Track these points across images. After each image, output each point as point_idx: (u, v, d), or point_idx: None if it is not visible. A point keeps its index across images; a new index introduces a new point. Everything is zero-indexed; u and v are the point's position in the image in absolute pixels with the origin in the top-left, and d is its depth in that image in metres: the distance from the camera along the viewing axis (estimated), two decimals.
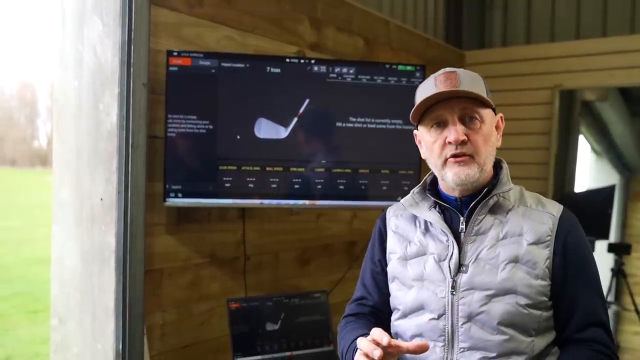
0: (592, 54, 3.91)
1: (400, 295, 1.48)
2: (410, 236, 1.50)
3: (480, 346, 1.34)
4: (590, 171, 7.29)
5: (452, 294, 1.37)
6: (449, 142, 1.37)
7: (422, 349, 1.25)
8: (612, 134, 6.79)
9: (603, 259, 5.19)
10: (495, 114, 1.45)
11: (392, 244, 1.53)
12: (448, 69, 1.40)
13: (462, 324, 1.35)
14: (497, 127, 1.45)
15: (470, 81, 1.38)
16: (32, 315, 7.84)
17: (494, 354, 1.32)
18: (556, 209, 1.42)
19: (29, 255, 11.48)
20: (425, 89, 1.40)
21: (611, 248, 4.94)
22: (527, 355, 1.33)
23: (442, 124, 1.39)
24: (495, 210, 1.41)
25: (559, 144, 4.57)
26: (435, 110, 1.39)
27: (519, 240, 1.37)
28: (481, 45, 4.58)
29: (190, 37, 2.30)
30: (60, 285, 2.14)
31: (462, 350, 1.35)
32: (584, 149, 6.75)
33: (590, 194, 5.50)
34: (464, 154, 1.37)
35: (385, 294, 1.56)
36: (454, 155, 1.37)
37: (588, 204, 4.94)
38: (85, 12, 2.03)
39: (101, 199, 1.98)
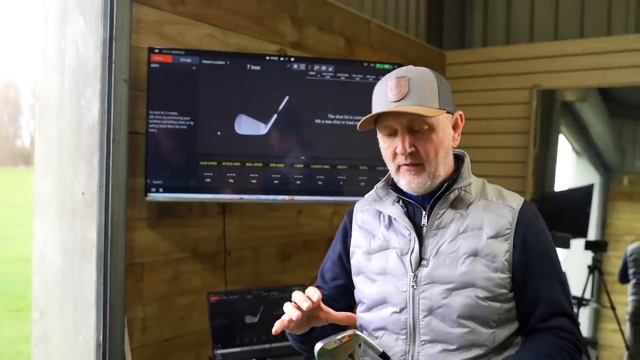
0: (570, 55, 4.00)
1: (364, 289, 1.50)
2: (375, 231, 1.52)
3: (441, 339, 1.36)
4: (571, 171, 7.39)
5: (413, 287, 1.39)
6: (398, 153, 1.39)
7: (351, 320, 1.32)
8: (591, 134, 6.89)
9: (580, 256, 5.28)
10: (453, 113, 1.44)
11: (357, 239, 1.55)
12: (401, 72, 1.39)
13: (423, 317, 1.37)
14: (455, 126, 1.45)
15: (422, 87, 1.36)
16: (15, 313, 7.81)
17: (454, 347, 1.35)
18: (516, 202, 1.43)
19: (11, 254, 11.41)
20: (378, 94, 1.42)
21: (588, 245, 5.02)
22: (488, 347, 1.36)
23: (392, 133, 1.40)
24: (456, 204, 1.42)
25: (540, 144, 4.65)
26: (385, 120, 1.40)
27: (479, 233, 1.38)
28: (462, 45, 4.65)
29: (172, 35, 2.33)
30: (41, 278, 2.16)
31: (423, 342, 1.38)
32: (565, 148, 6.85)
33: (569, 192, 5.58)
34: (413, 164, 1.39)
35: (338, 286, 1.59)
36: (405, 164, 1.40)
37: (567, 203, 5.02)
38: (68, 10, 2.06)
39: (83, 194, 2.01)
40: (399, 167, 1.42)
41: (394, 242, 1.45)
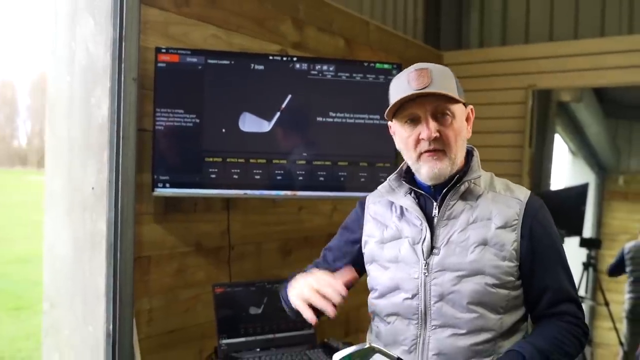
0: (564, 56, 4.06)
1: (377, 276, 1.57)
2: (387, 221, 1.58)
3: (450, 323, 1.43)
4: (567, 170, 7.45)
5: (425, 274, 1.46)
6: (422, 139, 1.44)
7: (352, 277, 1.48)
8: (587, 134, 6.97)
9: (575, 254, 5.35)
10: (466, 107, 1.52)
11: (371, 229, 1.62)
12: (420, 65, 1.45)
13: (435, 303, 1.44)
14: (467, 119, 1.53)
15: (442, 78, 1.44)
16: (14, 312, 7.86)
17: (463, 331, 1.42)
18: (523, 194, 1.50)
19: (9, 253, 11.44)
20: (399, 86, 1.46)
21: (582, 243, 5.09)
22: (496, 332, 1.43)
23: (415, 120, 1.46)
24: (466, 196, 1.49)
25: (536, 143, 4.72)
26: (409, 108, 1.45)
27: (487, 224, 1.45)
28: (459, 46, 4.72)
29: (177, 36, 2.40)
30: (52, 270, 2.22)
31: (434, 327, 1.45)
32: (561, 148, 6.90)
33: (564, 191, 5.65)
34: (436, 149, 1.45)
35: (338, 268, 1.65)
36: (427, 151, 1.45)
37: (562, 202, 5.08)
38: (78, 11, 2.12)
39: (93, 188, 2.07)
40: (420, 155, 1.48)
41: (406, 232, 1.53)
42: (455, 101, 1.46)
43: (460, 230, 1.46)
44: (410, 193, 1.55)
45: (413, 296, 1.47)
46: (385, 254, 1.56)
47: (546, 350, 1.39)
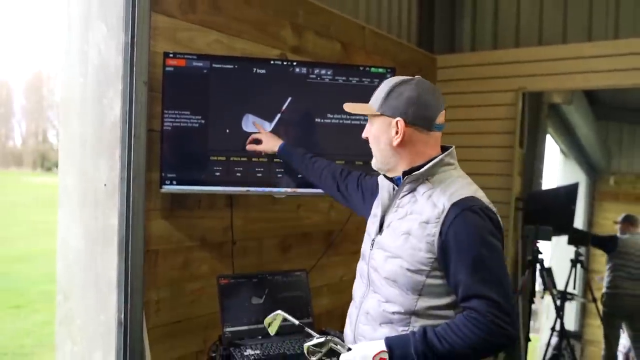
0: (553, 59, 4.20)
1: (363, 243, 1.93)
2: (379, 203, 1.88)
3: (377, 291, 1.76)
4: (558, 172, 7.59)
5: (370, 249, 1.82)
6: None
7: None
8: (578, 135, 7.10)
9: (566, 252, 5.49)
10: (394, 118, 1.73)
11: (374, 205, 1.93)
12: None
13: (372, 272, 1.79)
14: (397, 129, 1.73)
15: (377, 91, 1.79)
16: (15, 310, 7.96)
17: (384, 300, 1.73)
18: (455, 197, 1.65)
19: (7, 253, 11.53)
20: None
21: (571, 240, 5.22)
22: (408, 309, 1.68)
23: None
24: (416, 190, 1.73)
25: (528, 144, 4.86)
26: None
27: (417, 217, 1.68)
28: (451, 49, 4.85)
29: (183, 41, 2.53)
30: (65, 263, 2.34)
31: (371, 290, 1.79)
32: (553, 149, 7.02)
33: (554, 191, 5.78)
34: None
35: (349, 182, 2.18)
36: None
37: (553, 201, 5.22)
38: (91, 16, 2.24)
39: (105, 185, 2.19)
40: None
41: (378, 213, 1.85)
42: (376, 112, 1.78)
43: (399, 218, 1.74)
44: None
45: (365, 263, 1.84)
46: (369, 227, 1.91)
47: (435, 343, 1.58)
